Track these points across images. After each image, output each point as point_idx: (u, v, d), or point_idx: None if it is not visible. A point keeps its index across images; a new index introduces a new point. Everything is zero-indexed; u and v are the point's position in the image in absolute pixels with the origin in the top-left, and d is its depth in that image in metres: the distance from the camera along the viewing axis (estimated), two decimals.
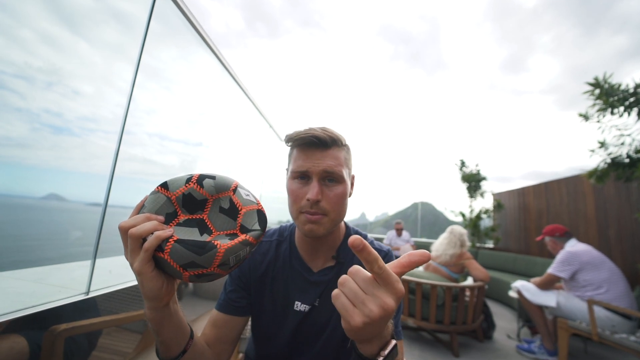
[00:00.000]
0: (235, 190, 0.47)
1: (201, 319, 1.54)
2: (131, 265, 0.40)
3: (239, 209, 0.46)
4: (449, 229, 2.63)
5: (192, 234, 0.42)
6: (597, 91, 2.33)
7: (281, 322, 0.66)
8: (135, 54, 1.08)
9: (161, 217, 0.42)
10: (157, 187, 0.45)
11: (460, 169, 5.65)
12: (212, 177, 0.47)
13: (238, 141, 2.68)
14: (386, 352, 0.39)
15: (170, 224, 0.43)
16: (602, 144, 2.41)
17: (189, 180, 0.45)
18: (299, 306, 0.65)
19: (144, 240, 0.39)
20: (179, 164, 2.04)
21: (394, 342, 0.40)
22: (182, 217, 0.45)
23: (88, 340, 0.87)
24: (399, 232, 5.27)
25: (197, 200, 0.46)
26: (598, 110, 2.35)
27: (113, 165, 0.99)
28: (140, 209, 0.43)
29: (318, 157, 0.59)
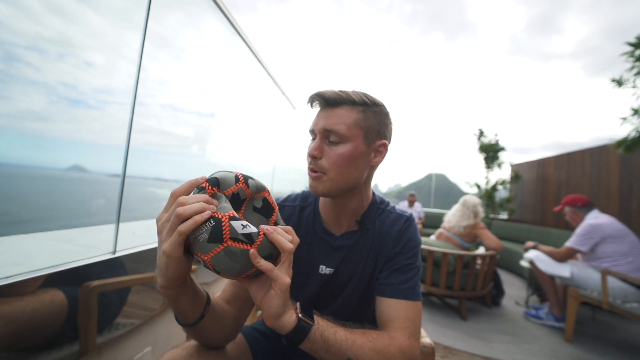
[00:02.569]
0: (269, 191, 0.51)
1: (220, 281, 1.64)
2: (160, 245, 0.40)
3: (274, 207, 0.50)
4: (461, 200, 2.60)
5: None
6: (638, 52, 2.11)
7: (305, 283, 0.68)
8: (141, 21, 1.06)
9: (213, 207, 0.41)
10: (209, 188, 0.43)
11: (479, 139, 5.45)
12: (252, 178, 0.49)
13: (251, 110, 2.65)
14: (298, 309, 0.48)
15: None
16: (636, 111, 2.24)
17: (237, 179, 0.47)
18: (324, 270, 0.67)
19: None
20: (193, 135, 2.05)
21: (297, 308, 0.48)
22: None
23: (119, 296, 0.95)
24: (411, 203, 5.27)
25: (239, 200, 0.48)
26: (637, 74, 2.15)
27: (128, 136, 1.01)
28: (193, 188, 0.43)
29: (322, 116, 0.61)
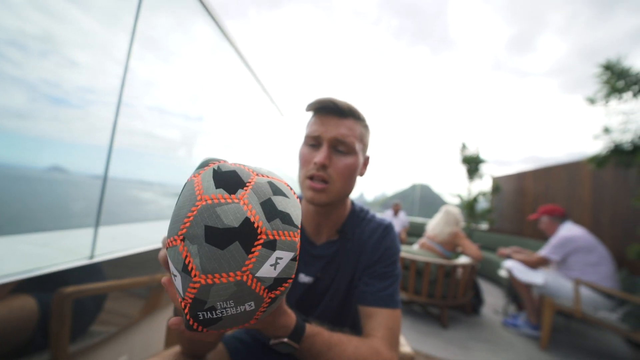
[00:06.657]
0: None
1: None
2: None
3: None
4: (443, 209, 2.67)
5: None
6: (608, 73, 2.27)
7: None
8: (129, 21, 1.05)
9: None
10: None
11: (461, 151, 5.62)
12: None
13: (239, 116, 2.65)
14: (283, 339, 0.45)
15: None
16: (607, 130, 2.38)
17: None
18: (303, 278, 0.67)
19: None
20: (180, 138, 2.03)
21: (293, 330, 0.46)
22: None
23: (95, 303, 0.92)
24: (396, 212, 5.34)
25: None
26: (604, 98, 2.31)
27: (111, 137, 0.99)
28: None
29: (332, 124, 0.60)
